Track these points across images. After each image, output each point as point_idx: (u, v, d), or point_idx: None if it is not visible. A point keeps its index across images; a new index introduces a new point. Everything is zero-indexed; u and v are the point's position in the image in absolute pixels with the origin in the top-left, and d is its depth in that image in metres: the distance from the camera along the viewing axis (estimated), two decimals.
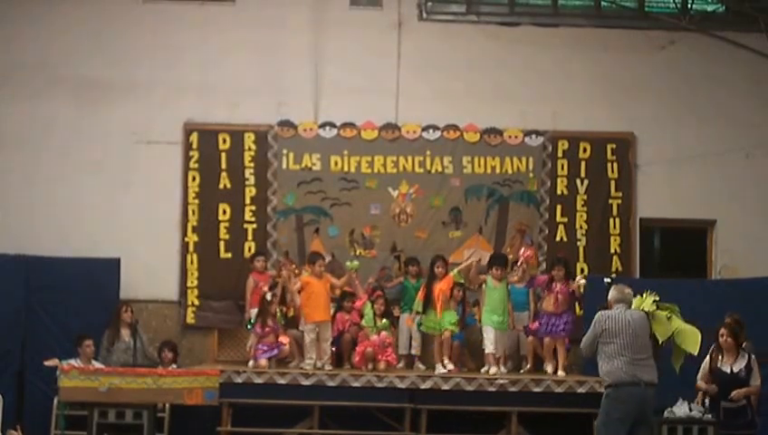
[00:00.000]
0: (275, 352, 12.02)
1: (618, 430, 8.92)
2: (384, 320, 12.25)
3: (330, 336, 12.02)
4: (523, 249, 12.56)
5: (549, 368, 11.89)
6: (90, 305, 12.40)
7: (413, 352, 12.67)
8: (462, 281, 12.40)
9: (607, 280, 10.45)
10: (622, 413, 8.91)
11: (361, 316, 12.39)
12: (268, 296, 12.19)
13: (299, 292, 12.17)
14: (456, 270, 12.32)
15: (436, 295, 11.99)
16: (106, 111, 13.68)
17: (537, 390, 11.35)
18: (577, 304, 12.34)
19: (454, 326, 12.03)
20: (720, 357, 10.08)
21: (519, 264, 12.33)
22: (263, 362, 11.85)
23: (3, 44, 13.75)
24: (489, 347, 11.97)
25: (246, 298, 12.90)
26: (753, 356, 10.09)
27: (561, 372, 11.78)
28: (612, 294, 9.38)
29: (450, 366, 11.87)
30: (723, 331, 10.07)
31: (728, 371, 10.00)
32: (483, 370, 11.97)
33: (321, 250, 13.12)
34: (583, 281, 12.14)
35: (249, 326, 12.38)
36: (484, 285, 12.26)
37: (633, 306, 9.36)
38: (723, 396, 10.01)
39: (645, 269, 13.87)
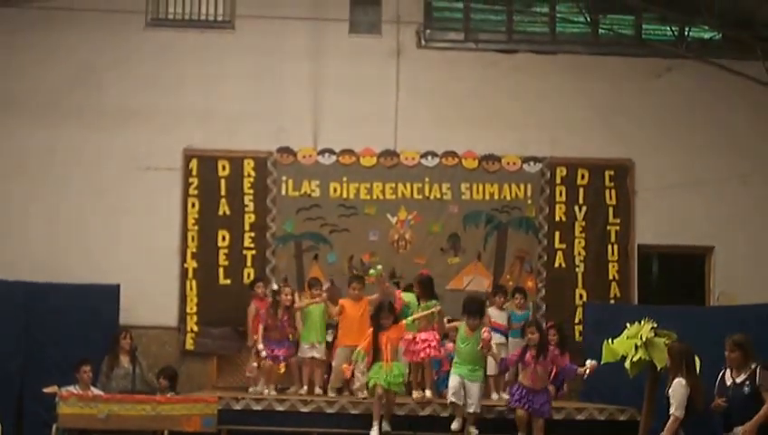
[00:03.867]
0: (283, 350, 11.90)
1: None
2: (432, 300, 11.59)
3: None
4: (484, 329, 10.88)
5: None
6: (89, 332, 12.37)
7: (411, 378, 12.64)
8: (415, 330, 11.28)
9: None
10: None
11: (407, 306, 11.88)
12: (274, 286, 12.16)
13: (337, 314, 12.12)
14: (410, 319, 11.15)
15: (383, 345, 10.86)
16: (106, 138, 13.75)
17: None
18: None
19: (400, 383, 10.93)
20: (728, 373, 9.90)
21: (480, 347, 10.81)
22: (277, 374, 11.84)
23: (3, 72, 13.83)
24: (451, 396, 10.85)
25: (248, 325, 12.80)
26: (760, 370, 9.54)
27: None
28: None
29: (387, 428, 10.86)
30: (727, 346, 9.91)
31: (730, 383, 9.68)
32: (454, 426, 10.87)
33: (320, 276, 13.15)
34: (593, 363, 10.45)
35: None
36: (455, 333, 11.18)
37: (630, 333, 9.37)
38: (731, 412, 9.51)
39: (643, 296, 13.91)
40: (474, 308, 11.00)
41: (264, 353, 11.89)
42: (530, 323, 10.98)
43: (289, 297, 12.15)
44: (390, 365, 10.82)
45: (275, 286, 12.45)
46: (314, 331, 12.17)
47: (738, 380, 9.41)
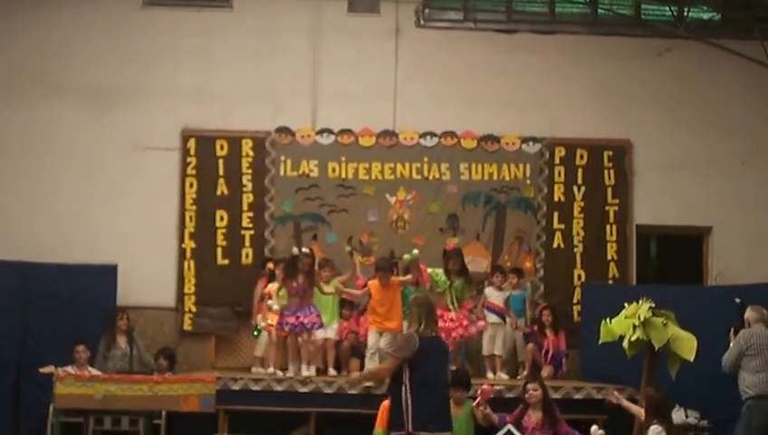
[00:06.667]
0: (310, 317, 11.48)
1: None
2: (459, 280, 11.87)
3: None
4: (485, 385, 10.07)
5: None
6: (87, 312, 12.35)
7: None
8: None
9: (737, 300, 10.88)
10: (762, 422, 9.59)
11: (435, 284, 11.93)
12: (294, 251, 11.68)
13: (361, 296, 12.05)
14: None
15: None
16: (104, 117, 13.69)
17: None
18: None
19: None
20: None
21: (476, 403, 9.77)
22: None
23: (1, 51, 13.77)
24: None
25: (253, 304, 12.64)
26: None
27: None
28: (751, 314, 10.04)
29: None
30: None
31: None
32: None
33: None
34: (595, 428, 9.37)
35: (256, 334, 12.32)
36: None
37: (628, 313, 9.37)
38: None
39: (641, 276, 13.92)
40: (460, 380, 9.80)
41: (275, 307, 11.63)
42: (530, 380, 9.95)
43: (308, 260, 11.62)
44: None
45: (296, 251, 11.75)
46: (327, 311, 11.97)
47: None
